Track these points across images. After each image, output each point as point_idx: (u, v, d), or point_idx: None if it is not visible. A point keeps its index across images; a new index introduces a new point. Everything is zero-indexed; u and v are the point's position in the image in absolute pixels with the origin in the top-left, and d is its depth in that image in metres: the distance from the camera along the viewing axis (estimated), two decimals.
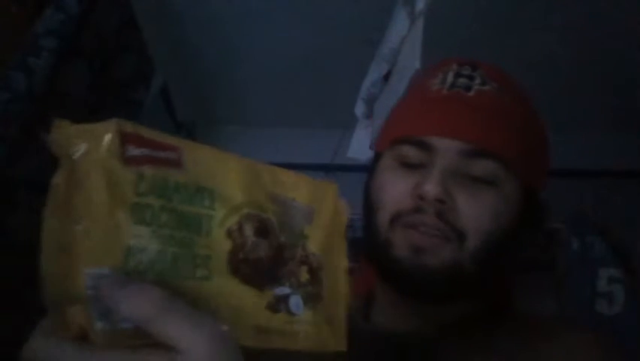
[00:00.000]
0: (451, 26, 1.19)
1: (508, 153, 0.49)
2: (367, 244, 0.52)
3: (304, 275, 0.31)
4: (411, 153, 0.50)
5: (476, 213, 0.47)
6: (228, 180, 0.30)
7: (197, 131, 1.54)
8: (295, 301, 0.30)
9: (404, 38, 0.83)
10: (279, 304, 0.29)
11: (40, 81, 0.82)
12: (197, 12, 1.28)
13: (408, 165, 0.50)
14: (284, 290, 0.30)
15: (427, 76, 0.55)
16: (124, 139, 0.26)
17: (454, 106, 0.50)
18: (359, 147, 0.93)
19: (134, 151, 0.26)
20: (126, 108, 1.10)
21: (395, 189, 0.49)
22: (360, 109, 0.93)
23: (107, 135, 0.26)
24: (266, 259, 0.29)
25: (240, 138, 1.58)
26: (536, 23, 1.24)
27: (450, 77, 0.52)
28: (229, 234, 0.28)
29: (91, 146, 0.26)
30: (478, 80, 0.51)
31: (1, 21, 0.88)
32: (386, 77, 0.88)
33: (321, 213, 0.34)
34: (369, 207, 0.51)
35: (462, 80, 0.51)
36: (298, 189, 0.33)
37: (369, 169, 0.56)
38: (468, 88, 0.50)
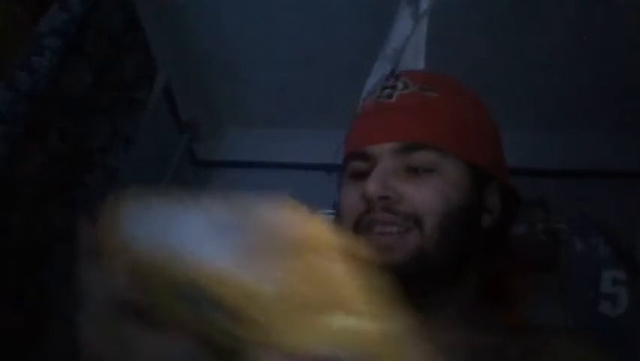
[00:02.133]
0: (454, 27, 1.19)
1: (438, 139, 0.54)
2: None
3: None
4: (358, 165, 0.55)
5: (424, 197, 0.51)
6: None
7: (200, 132, 1.54)
8: None
9: (408, 38, 0.83)
10: None
11: (43, 81, 0.82)
12: (201, 12, 1.28)
13: (357, 177, 0.54)
14: None
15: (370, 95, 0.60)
16: None
17: (379, 114, 0.56)
18: None
19: None
20: (129, 108, 1.10)
21: (350, 200, 0.54)
22: None
23: None
24: None
25: (243, 137, 1.58)
26: (537, 23, 1.24)
27: (377, 92, 0.58)
28: None
29: None
30: (400, 87, 0.57)
31: (5, 21, 0.88)
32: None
33: None
34: (336, 222, 0.55)
35: (385, 91, 0.57)
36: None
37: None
38: (390, 96, 0.56)
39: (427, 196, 0.51)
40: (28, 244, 0.84)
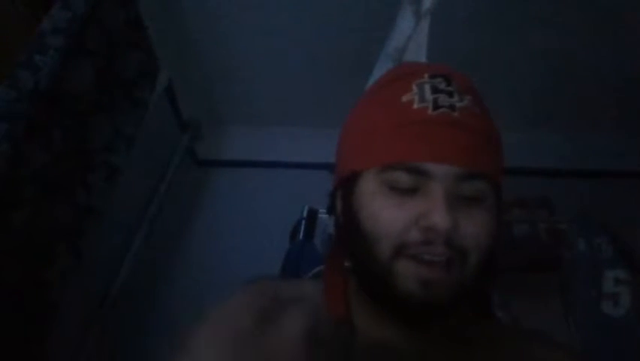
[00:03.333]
0: (454, 25, 1.19)
1: (491, 170, 0.51)
2: (361, 271, 0.52)
3: None
4: (403, 178, 0.49)
5: (475, 232, 0.48)
6: None
7: (201, 131, 1.55)
8: None
9: (410, 37, 0.83)
10: None
11: (46, 79, 0.82)
12: (203, 11, 1.28)
13: (399, 191, 0.49)
14: None
15: (397, 88, 0.52)
16: None
17: (445, 130, 0.49)
18: None
19: None
20: (131, 106, 1.10)
21: (396, 220, 0.48)
22: None
23: None
24: None
25: (244, 136, 1.58)
26: (538, 23, 1.24)
27: (428, 94, 0.51)
28: None
29: None
30: (456, 96, 0.51)
31: (8, 19, 0.88)
32: None
33: None
34: (362, 236, 0.49)
35: (443, 98, 0.50)
36: None
37: (342, 185, 0.55)
38: (452, 107, 0.50)
39: (477, 230, 0.48)
40: (29, 243, 0.84)
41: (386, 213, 0.48)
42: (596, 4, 1.17)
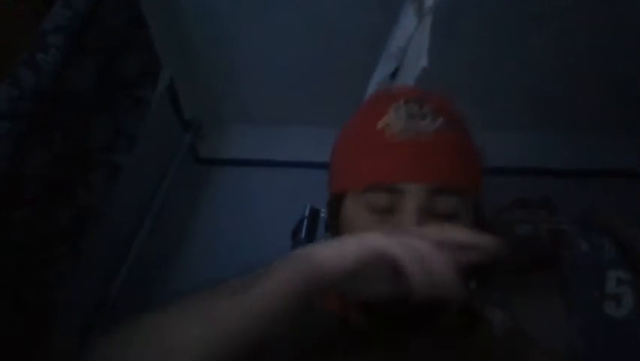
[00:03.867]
0: (455, 25, 1.19)
1: (464, 185, 0.55)
2: None
3: None
4: (379, 198, 0.53)
5: None
6: None
7: (203, 130, 1.54)
8: None
9: (412, 36, 0.82)
10: None
11: (47, 78, 0.82)
12: (204, 10, 1.28)
13: (378, 210, 0.53)
14: None
15: (374, 114, 0.57)
16: None
17: (416, 151, 0.54)
18: None
19: None
20: (133, 105, 1.10)
21: None
22: None
23: None
24: None
25: (246, 136, 1.58)
26: (538, 23, 1.23)
27: (401, 119, 0.55)
28: None
29: None
30: (429, 119, 0.55)
31: (9, 18, 0.88)
32: (393, 75, 0.87)
33: None
34: None
35: (415, 122, 0.55)
36: None
37: (331, 204, 0.60)
38: (423, 130, 0.54)
39: None
40: (29, 242, 0.84)
41: (365, 231, 0.52)
42: (598, 5, 1.17)
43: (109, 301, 1.13)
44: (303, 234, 1.05)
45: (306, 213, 1.09)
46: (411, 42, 0.82)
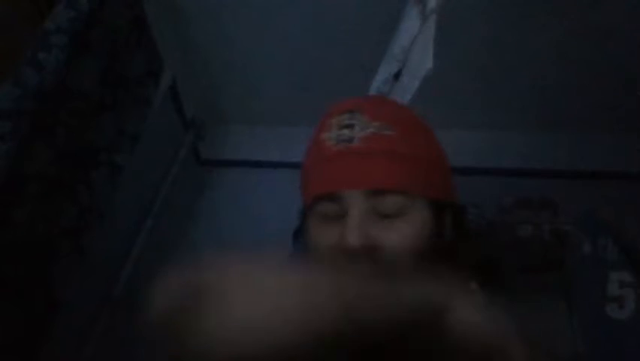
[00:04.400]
0: (458, 27, 1.19)
1: (404, 184, 0.56)
2: None
3: None
4: (327, 207, 0.56)
5: (396, 241, 0.54)
6: None
7: (205, 130, 1.55)
8: None
9: (415, 37, 0.82)
10: None
11: (50, 77, 0.82)
12: (207, 10, 1.28)
13: (329, 219, 0.56)
14: None
15: (321, 129, 0.60)
16: None
17: (344, 159, 0.56)
18: None
19: None
20: (135, 105, 1.10)
21: (325, 246, 0.55)
22: None
23: None
24: None
25: (247, 136, 1.58)
26: (540, 24, 1.23)
27: (334, 130, 0.58)
28: None
29: None
30: (357, 128, 0.57)
31: (12, 18, 0.88)
32: (396, 76, 0.87)
33: None
34: (312, 257, 0.57)
35: (344, 132, 0.57)
36: None
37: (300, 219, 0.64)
38: (351, 139, 0.56)
39: (399, 241, 0.54)
40: (32, 241, 0.84)
41: (321, 241, 0.56)
42: (598, 5, 1.17)
43: (111, 300, 1.14)
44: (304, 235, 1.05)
45: None
46: (415, 43, 0.82)
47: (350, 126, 0.57)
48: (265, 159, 1.55)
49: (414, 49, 0.81)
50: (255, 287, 0.30)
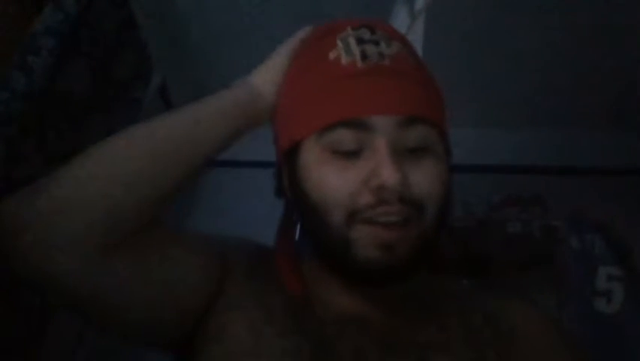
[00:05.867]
0: (450, 24, 1.19)
1: (433, 115, 0.48)
2: (316, 245, 0.50)
3: None
4: (344, 138, 0.46)
5: (427, 182, 0.46)
6: None
7: None
8: None
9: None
10: None
11: (39, 80, 0.82)
12: (197, 10, 1.27)
13: (342, 154, 0.46)
14: None
15: (322, 47, 0.50)
16: None
17: (378, 80, 0.47)
18: None
19: None
20: (125, 107, 1.10)
21: (344, 185, 0.45)
22: None
23: None
24: None
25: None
26: (534, 21, 1.24)
27: (354, 46, 0.48)
28: None
29: None
30: (383, 44, 0.49)
31: (0, 21, 0.88)
32: None
33: None
34: (312, 208, 0.47)
35: (371, 48, 0.48)
36: None
37: (285, 159, 0.52)
38: (381, 56, 0.48)
39: (429, 181, 0.46)
40: None
41: (333, 180, 0.46)
42: (597, 4, 1.18)
43: None
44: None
45: None
46: None
47: (375, 42, 0.48)
48: (257, 159, 1.54)
49: None
50: None
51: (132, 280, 0.44)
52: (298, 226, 0.59)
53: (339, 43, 0.49)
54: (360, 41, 0.49)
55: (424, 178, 0.46)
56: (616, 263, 0.87)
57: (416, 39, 0.82)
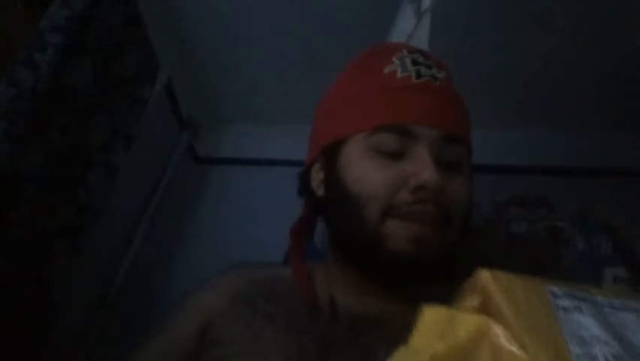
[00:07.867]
0: (454, 25, 1.19)
1: (467, 137, 0.55)
2: (345, 240, 0.53)
3: None
4: (390, 141, 0.50)
5: (458, 196, 0.50)
6: None
7: (201, 129, 1.54)
8: None
9: (410, 36, 0.82)
10: None
11: (45, 77, 0.82)
12: (202, 9, 1.27)
13: (385, 154, 0.50)
14: None
15: (378, 61, 0.56)
16: None
17: (429, 96, 0.52)
18: None
19: None
20: (130, 105, 1.10)
21: (385, 181, 0.49)
22: None
23: None
24: None
25: (244, 134, 1.58)
26: (538, 22, 1.24)
27: (410, 65, 0.54)
28: None
29: None
30: (435, 69, 0.54)
31: (7, 17, 0.88)
32: None
33: None
34: (349, 201, 0.50)
35: (425, 69, 0.54)
36: None
37: (324, 154, 0.56)
38: (434, 77, 0.53)
39: (459, 194, 0.51)
40: (27, 242, 0.84)
41: (375, 175, 0.50)
42: (597, 4, 1.18)
43: (108, 300, 1.13)
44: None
45: None
46: (409, 42, 0.82)
47: (428, 66, 0.54)
48: (262, 156, 1.55)
49: None
50: None
51: None
52: (316, 226, 0.61)
53: (396, 61, 0.54)
54: (415, 62, 0.54)
55: (456, 191, 0.50)
56: (622, 264, 0.87)
57: (422, 39, 0.82)
